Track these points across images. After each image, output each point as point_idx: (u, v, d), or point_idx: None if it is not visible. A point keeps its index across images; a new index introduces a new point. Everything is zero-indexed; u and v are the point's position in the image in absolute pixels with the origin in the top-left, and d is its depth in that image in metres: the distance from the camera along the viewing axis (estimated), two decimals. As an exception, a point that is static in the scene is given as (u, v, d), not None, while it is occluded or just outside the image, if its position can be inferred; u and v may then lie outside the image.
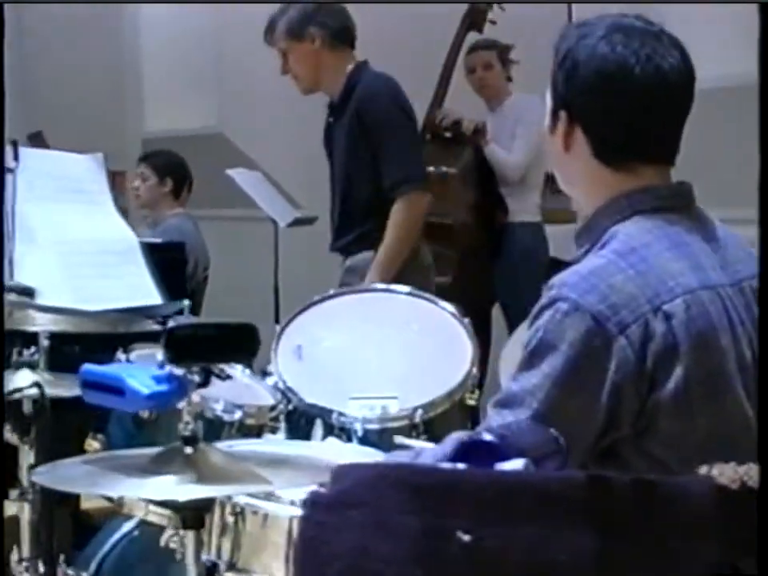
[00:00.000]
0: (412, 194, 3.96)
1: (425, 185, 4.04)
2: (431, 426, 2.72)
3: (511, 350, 2.78)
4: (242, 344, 1.73)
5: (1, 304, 2.20)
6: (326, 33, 4.09)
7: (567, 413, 1.86)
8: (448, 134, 5.55)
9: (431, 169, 5.44)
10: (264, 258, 5.90)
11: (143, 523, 2.75)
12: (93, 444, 2.67)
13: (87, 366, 1.82)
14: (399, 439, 2.57)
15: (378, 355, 2.82)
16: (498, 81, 5.64)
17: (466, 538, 1.38)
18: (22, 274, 2.48)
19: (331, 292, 3.06)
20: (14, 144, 2.28)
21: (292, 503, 2.07)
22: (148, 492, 1.78)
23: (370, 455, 2.26)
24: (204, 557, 2.15)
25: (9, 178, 2.21)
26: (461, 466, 1.48)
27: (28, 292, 2.28)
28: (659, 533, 1.36)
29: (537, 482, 1.41)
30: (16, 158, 2.26)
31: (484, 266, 5.51)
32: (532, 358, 1.88)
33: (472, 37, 5.70)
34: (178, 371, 1.76)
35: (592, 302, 1.84)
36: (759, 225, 1.66)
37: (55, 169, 2.51)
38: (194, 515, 1.82)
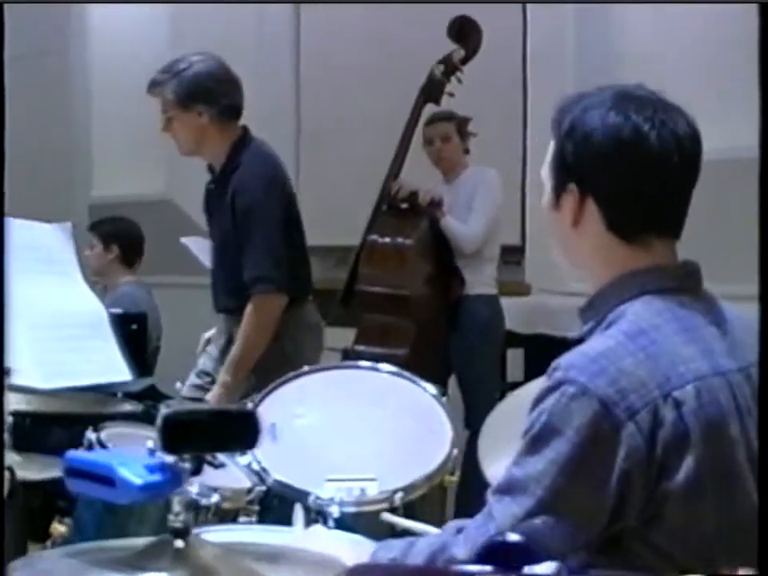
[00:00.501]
0: (263, 296, 3.86)
1: (279, 287, 3.88)
2: (410, 508, 2.62)
3: (491, 426, 2.68)
4: (241, 432, 1.62)
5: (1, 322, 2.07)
6: (215, 109, 3.98)
7: (573, 501, 1.78)
8: (404, 206, 5.51)
9: (387, 240, 5.42)
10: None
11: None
12: (59, 528, 2.54)
13: (72, 453, 1.69)
14: (386, 516, 2.47)
15: (355, 434, 2.73)
16: (455, 153, 5.62)
17: (499, 650, 1.28)
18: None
19: (305, 368, 2.96)
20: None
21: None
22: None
23: (363, 544, 2.15)
24: None
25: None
26: (487, 568, 1.37)
27: (5, 372, 2.16)
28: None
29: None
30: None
31: (440, 337, 5.47)
32: (536, 443, 1.80)
33: (429, 108, 5.66)
34: (171, 459, 1.63)
35: (600, 386, 1.76)
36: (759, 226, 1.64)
37: (26, 238, 2.40)
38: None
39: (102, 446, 2.51)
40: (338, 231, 7.33)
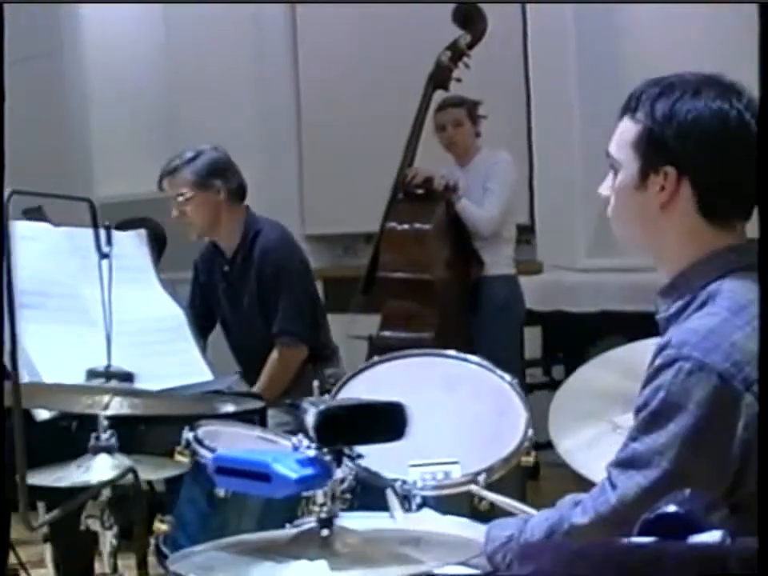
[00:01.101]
0: (286, 348, 4.28)
1: (301, 341, 4.32)
2: (490, 489, 2.70)
3: (559, 404, 2.76)
4: (391, 424, 1.72)
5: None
6: (231, 186, 4.35)
7: (698, 472, 1.85)
8: (420, 192, 5.59)
9: (406, 226, 5.51)
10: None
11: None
12: (161, 527, 2.62)
13: (222, 452, 1.78)
14: (476, 489, 2.55)
15: (432, 420, 2.77)
16: (467, 138, 5.69)
17: (673, 614, 1.37)
18: (84, 357, 2.43)
19: (376, 359, 3.04)
20: (107, 228, 2.24)
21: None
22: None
23: (474, 525, 2.25)
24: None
25: (104, 263, 2.16)
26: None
27: (128, 378, 2.25)
28: None
29: (742, 554, 1.41)
30: (109, 242, 2.22)
31: (463, 319, 5.55)
32: (657, 418, 1.87)
33: (439, 95, 5.75)
34: (320, 454, 1.73)
35: (717, 361, 1.84)
36: (759, 229, 1.67)
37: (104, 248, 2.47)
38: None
39: (200, 443, 2.61)
40: (343, 220, 7.43)
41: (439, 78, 5.69)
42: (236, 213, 4.38)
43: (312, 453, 1.75)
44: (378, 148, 6.45)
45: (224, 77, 7.97)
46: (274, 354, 4.25)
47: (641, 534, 1.49)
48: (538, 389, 5.58)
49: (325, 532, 1.78)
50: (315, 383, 1.89)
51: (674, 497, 1.58)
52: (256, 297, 4.32)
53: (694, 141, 1.93)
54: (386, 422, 1.73)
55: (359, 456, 1.84)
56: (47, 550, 3.64)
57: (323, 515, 1.80)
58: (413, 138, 5.66)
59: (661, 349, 1.91)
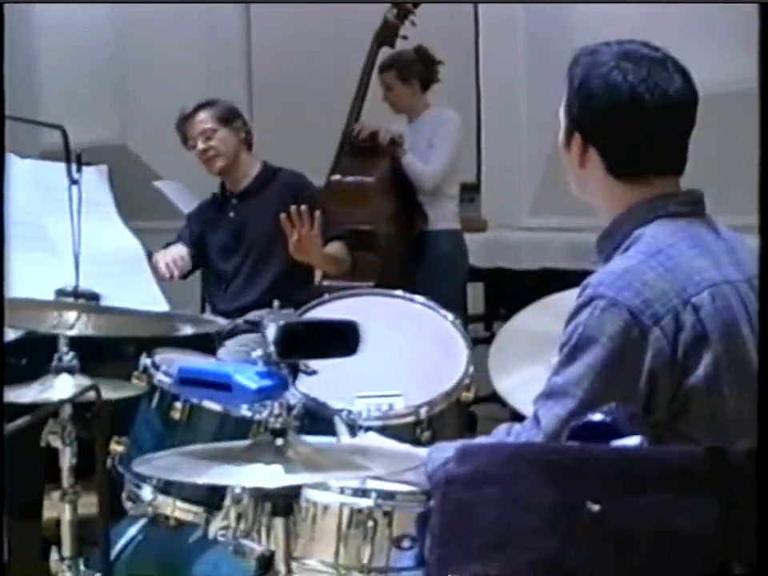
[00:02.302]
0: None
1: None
2: (432, 423, 2.86)
3: (499, 344, 2.91)
4: (345, 340, 1.86)
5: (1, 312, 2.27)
6: (248, 132, 4.70)
7: (610, 399, 2.02)
8: (365, 146, 5.73)
9: (349, 178, 5.66)
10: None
11: (148, 526, 2.87)
12: (117, 448, 2.76)
13: (185, 364, 1.92)
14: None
15: (379, 356, 2.90)
16: (402, 99, 5.82)
17: (596, 508, 1.54)
18: (46, 284, 2.55)
19: (326, 296, 3.19)
20: (78, 156, 2.36)
21: (342, 491, 2.22)
22: (247, 479, 1.88)
23: (414, 447, 2.40)
24: (260, 547, 2.28)
25: (74, 189, 2.28)
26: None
27: (94, 297, 2.37)
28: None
29: (659, 456, 1.58)
30: (79, 169, 2.34)
31: (406, 272, 5.69)
32: (574, 352, 2.04)
33: (385, 52, 5.88)
34: (277, 367, 1.88)
35: (628, 298, 2.01)
36: (759, 231, 1.79)
37: (64, 180, 2.59)
38: (284, 503, 1.94)
39: (157, 368, 2.75)
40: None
41: (385, 35, 5.85)
42: (250, 157, 4.69)
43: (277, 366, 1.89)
44: (328, 105, 6.56)
45: (176, 30, 8.02)
46: (339, 245, 4.57)
47: (570, 438, 1.66)
48: (479, 343, 5.69)
49: (279, 441, 1.93)
50: (276, 302, 2.02)
51: (600, 407, 1.76)
52: (278, 214, 4.28)
53: (591, 110, 2.14)
54: (341, 338, 1.88)
55: (313, 372, 1.98)
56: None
57: (278, 425, 1.94)
58: (359, 95, 5.83)
59: (582, 289, 2.09)
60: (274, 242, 4.46)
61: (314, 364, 2.00)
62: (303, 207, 4.08)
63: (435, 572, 1.59)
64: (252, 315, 4.34)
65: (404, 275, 5.66)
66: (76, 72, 8.40)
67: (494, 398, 3.06)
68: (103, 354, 2.55)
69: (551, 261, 6.02)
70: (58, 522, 3.83)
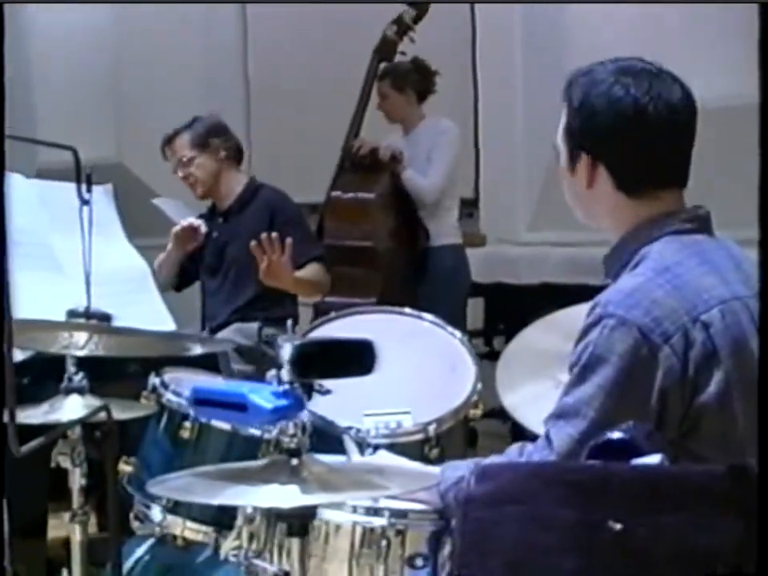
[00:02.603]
0: (324, 266, 4.58)
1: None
2: (440, 440, 2.86)
3: (506, 360, 2.91)
4: (361, 359, 1.86)
5: (1, 320, 2.27)
6: (229, 148, 4.65)
7: (621, 419, 2.02)
8: (365, 162, 5.74)
9: (350, 195, 5.67)
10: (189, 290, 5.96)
11: (156, 545, 2.86)
12: (125, 468, 2.75)
13: (200, 384, 1.92)
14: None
15: (386, 373, 2.90)
16: (397, 108, 5.82)
17: (618, 527, 1.54)
18: (52, 303, 2.56)
19: (333, 314, 3.19)
20: (89, 177, 2.37)
21: (354, 510, 2.22)
22: (263, 500, 1.88)
23: (427, 466, 2.40)
24: (275, 568, 2.28)
25: (85, 210, 2.29)
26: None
27: (106, 317, 2.37)
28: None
29: (680, 475, 1.58)
30: (89, 189, 2.35)
31: (407, 288, 5.68)
32: (584, 372, 2.05)
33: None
34: (292, 387, 1.88)
35: (637, 316, 2.01)
36: (760, 229, 1.76)
37: (73, 201, 2.60)
38: (300, 523, 1.93)
39: (166, 388, 2.75)
40: (290, 190, 7.51)
41: (384, 50, 5.87)
42: (235, 173, 4.69)
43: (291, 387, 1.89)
44: (327, 119, 6.57)
45: (172, 45, 8.02)
46: (315, 265, 4.51)
47: (589, 457, 1.66)
48: (479, 359, 5.71)
49: (294, 461, 1.93)
50: (289, 321, 2.02)
51: (619, 425, 1.76)
52: (256, 234, 4.30)
53: (596, 128, 2.15)
54: (357, 357, 1.88)
55: (327, 391, 1.98)
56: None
57: (293, 446, 1.94)
58: (359, 110, 5.83)
59: (591, 308, 2.09)
60: (252, 262, 4.38)
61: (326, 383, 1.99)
62: (274, 234, 4.08)
63: (457, 592, 1.59)
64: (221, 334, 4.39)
65: (406, 291, 5.64)
66: (72, 90, 8.40)
67: (494, 413, 3.08)
68: (107, 374, 2.54)
69: (550, 275, 6.04)
70: (63, 542, 3.85)
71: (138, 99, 8.13)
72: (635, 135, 2.13)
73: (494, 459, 2.21)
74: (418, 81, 5.81)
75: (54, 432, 2.23)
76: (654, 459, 1.60)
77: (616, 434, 1.65)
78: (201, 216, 4.76)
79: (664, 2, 5.68)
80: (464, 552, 1.58)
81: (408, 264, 5.73)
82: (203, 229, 4.52)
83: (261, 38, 7.96)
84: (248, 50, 8.12)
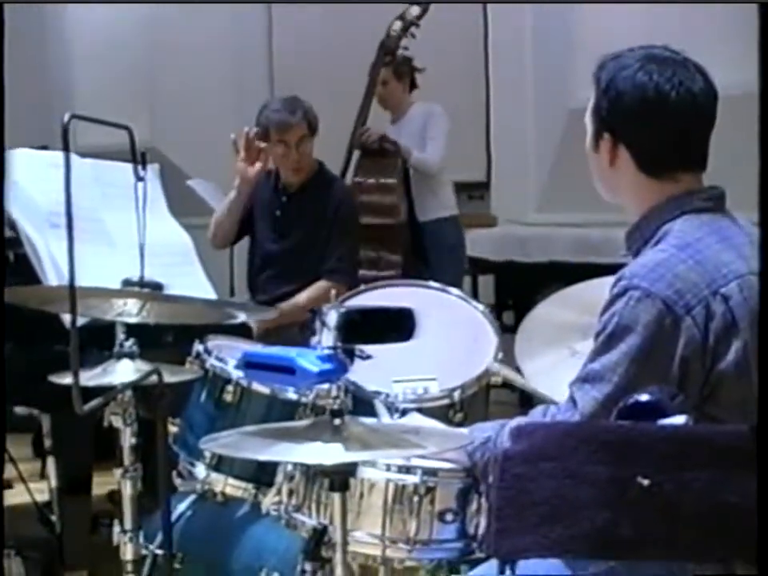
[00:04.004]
0: (335, 282, 4.28)
1: (347, 281, 4.32)
2: (463, 405, 2.87)
3: (525, 329, 2.91)
4: (401, 326, 1.87)
5: (1, 300, 2.29)
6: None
7: (644, 385, 2.03)
8: (375, 147, 5.80)
9: (372, 180, 5.69)
10: (220, 263, 5.98)
11: (197, 501, 2.88)
12: (171, 428, 2.77)
13: (250, 349, 1.93)
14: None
15: (414, 342, 2.94)
16: (394, 94, 5.93)
17: (646, 482, 1.55)
18: (105, 274, 2.56)
19: (362, 287, 3.19)
20: (143, 155, 2.38)
21: (388, 469, 2.23)
22: (308, 456, 1.89)
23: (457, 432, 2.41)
24: (313, 521, 2.30)
25: (140, 186, 2.30)
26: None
27: (158, 286, 2.38)
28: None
29: (706, 434, 1.59)
30: (144, 167, 2.36)
31: (411, 260, 5.79)
32: (610, 340, 2.05)
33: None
34: (335, 352, 1.89)
35: (661, 289, 2.02)
36: (760, 227, 1.81)
37: (123, 179, 2.61)
38: (341, 479, 1.94)
39: (210, 354, 2.77)
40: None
41: (389, 45, 5.92)
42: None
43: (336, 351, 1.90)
44: (341, 111, 6.60)
45: (202, 39, 8.04)
46: (323, 284, 4.36)
47: (618, 418, 1.67)
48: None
49: (337, 421, 1.94)
50: (333, 291, 2.02)
51: (645, 389, 1.77)
52: (315, 231, 4.41)
53: (620, 112, 2.16)
54: (397, 324, 1.89)
55: (368, 356, 1.99)
56: (50, 463, 3.79)
57: (336, 407, 1.95)
58: (366, 101, 5.92)
59: (617, 281, 2.09)
60: (308, 251, 4.47)
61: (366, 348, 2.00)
62: None
63: (494, 543, 1.60)
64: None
65: (417, 265, 5.71)
66: (107, 77, 8.41)
67: (504, 383, 3.09)
68: (149, 342, 2.55)
69: (557, 254, 6.04)
70: (108, 497, 3.88)
71: (170, 89, 8.13)
72: (656, 119, 2.13)
73: (519, 421, 2.23)
74: (410, 71, 5.94)
75: (110, 393, 2.24)
76: (679, 420, 1.61)
77: (644, 397, 1.66)
78: (267, 177, 4.60)
79: (664, 2, 5.67)
80: (501, 506, 1.59)
81: (414, 239, 5.80)
82: (263, 145, 4.37)
83: (285, 37, 7.98)
84: (272, 39, 8.12)
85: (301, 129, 4.44)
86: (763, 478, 1.52)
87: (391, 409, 2.78)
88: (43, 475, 4.32)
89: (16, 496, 3.99)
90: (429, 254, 5.78)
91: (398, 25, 5.86)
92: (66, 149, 1.89)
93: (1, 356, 2.47)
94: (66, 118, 1.94)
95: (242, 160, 4.35)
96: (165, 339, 3.10)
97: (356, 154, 5.94)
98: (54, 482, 3.71)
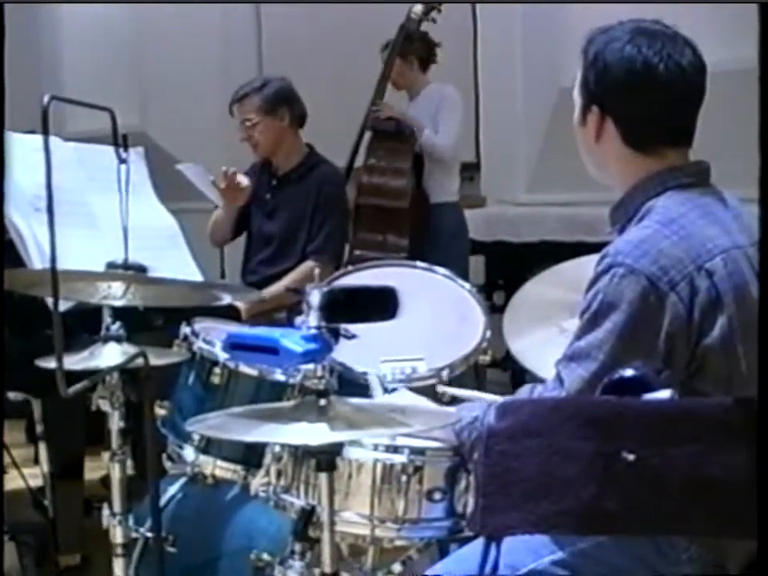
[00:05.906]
0: (321, 263, 4.18)
1: (333, 263, 4.43)
2: (452, 384, 2.85)
3: (513, 308, 2.88)
4: (385, 305, 1.85)
5: (1, 291, 2.27)
6: (293, 115, 4.52)
7: (629, 362, 2.01)
8: (389, 128, 5.69)
9: (383, 163, 5.66)
10: (211, 246, 5.95)
11: (187, 484, 2.86)
12: (159, 411, 2.75)
13: (234, 330, 1.91)
14: (442, 388, 2.69)
15: (401, 322, 2.91)
16: (401, 74, 5.81)
17: (631, 457, 1.53)
18: (89, 257, 2.55)
19: (350, 267, 3.17)
20: (125, 137, 2.36)
21: (375, 448, 2.22)
22: (294, 437, 1.87)
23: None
24: (302, 501, 2.28)
25: (123, 169, 2.28)
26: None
27: (142, 269, 2.36)
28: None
29: (691, 408, 1.57)
30: (126, 149, 2.34)
31: (423, 244, 5.69)
32: (595, 318, 2.03)
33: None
34: (320, 332, 1.87)
35: (645, 265, 2.00)
36: (760, 226, 1.75)
37: (108, 162, 2.58)
38: (328, 459, 1.93)
39: (197, 336, 2.75)
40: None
41: (409, 26, 5.81)
42: (296, 138, 4.56)
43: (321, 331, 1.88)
44: (343, 91, 6.56)
45: (191, 26, 8.00)
46: (308, 264, 4.36)
47: (603, 393, 1.65)
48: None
49: (322, 401, 1.92)
50: (317, 270, 2.00)
51: (630, 364, 1.75)
52: (300, 212, 4.45)
53: (608, 84, 2.13)
54: (381, 303, 1.86)
55: (353, 336, 1.97)
56: (41, 449, 3.78)
57: (321, 387, 1.93)
58: (381, 84, 5.80)
59: (601, 258, 2.08)
60: (294, 235, 4.47)
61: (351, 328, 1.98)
62: None
63: (480, 520, 1.59)
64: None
65: (422, 249, 5.66)
66: (97, 63, 8.37)
67: (496, 362, 3.08)
68: (135, 326, 2.53)
69: (547, 234, 6.01)
70: (101, 481, 3.86)
71: (159, 73, 8.09)
72: (643, 93, 2.11)
73: (506, 399, 2.21)
74: (419, 48, 5.80)
75: (96, 376, 2.22)
76: (664, 394, 1.59)
77: (628, 372, 1.64)
78: (250, 171, 4.65)
79: (664, 2, 5.64)
80: (486, 483, 1.57)
81: (422, 223, 5.73)
82: (245, 182, 4.41)
83: (272, 15, 7.92)
84: (261, 25, 8.08)
85: (250, 103, 4.47)
86: (763, 474, 1.51)
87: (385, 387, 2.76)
88: (37, 460, 4.31)
89: (10, 481, 3.97)
90: (435, 236, 5.71)
91: (418, 8, 5.77)
92: (45, 132, 1.86)
93: (1, 347, 2.44)
94: (46, 99, 1.91)
95: (223, 197, 4.45)
96: (154, 323, 3.08)
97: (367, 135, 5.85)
98: (46, 467, 3.70)
